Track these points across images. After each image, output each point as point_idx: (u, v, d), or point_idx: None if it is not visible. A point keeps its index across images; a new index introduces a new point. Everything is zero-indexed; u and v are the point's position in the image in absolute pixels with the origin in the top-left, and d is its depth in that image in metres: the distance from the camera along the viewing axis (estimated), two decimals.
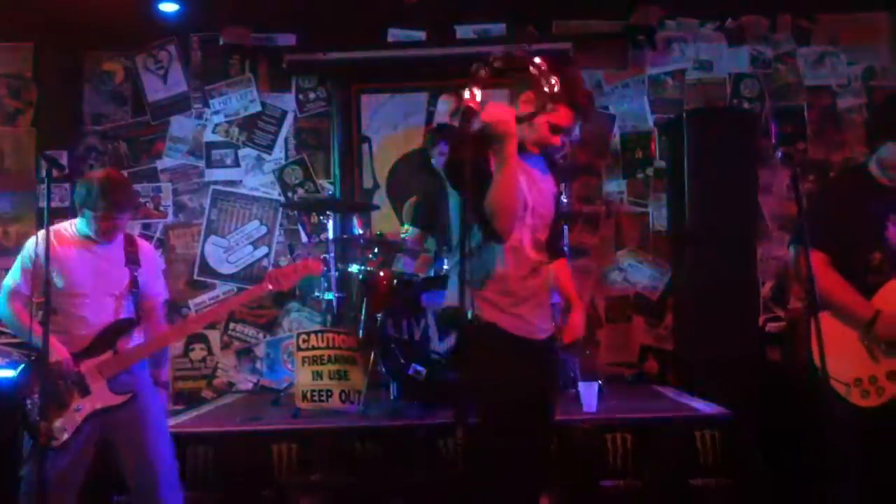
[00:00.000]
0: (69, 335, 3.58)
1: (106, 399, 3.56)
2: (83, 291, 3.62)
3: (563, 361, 3.18)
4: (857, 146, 6.39)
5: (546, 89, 2.81)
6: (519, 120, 2.83)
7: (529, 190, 3.02)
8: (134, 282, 3.73)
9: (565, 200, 5.67)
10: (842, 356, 3.31)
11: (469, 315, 2.89)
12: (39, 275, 3.41)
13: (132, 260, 3.75)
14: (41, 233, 3.43)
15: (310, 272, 3.97)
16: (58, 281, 3.55)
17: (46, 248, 3.30)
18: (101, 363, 3.58)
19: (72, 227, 3.72)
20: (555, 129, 3.04)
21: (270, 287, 3.81)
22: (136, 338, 3.74)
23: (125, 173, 4.23)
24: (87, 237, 3.68)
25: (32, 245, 3.62)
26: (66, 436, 3.48)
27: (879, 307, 3.36)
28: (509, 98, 3.03)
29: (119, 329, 3.66)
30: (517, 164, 2.85)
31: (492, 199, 2.82)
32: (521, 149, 2.93)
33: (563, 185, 3.24)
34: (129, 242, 3.81)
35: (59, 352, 3.50)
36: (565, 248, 3.48)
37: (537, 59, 2.84)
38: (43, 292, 3.32)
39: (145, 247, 3.91)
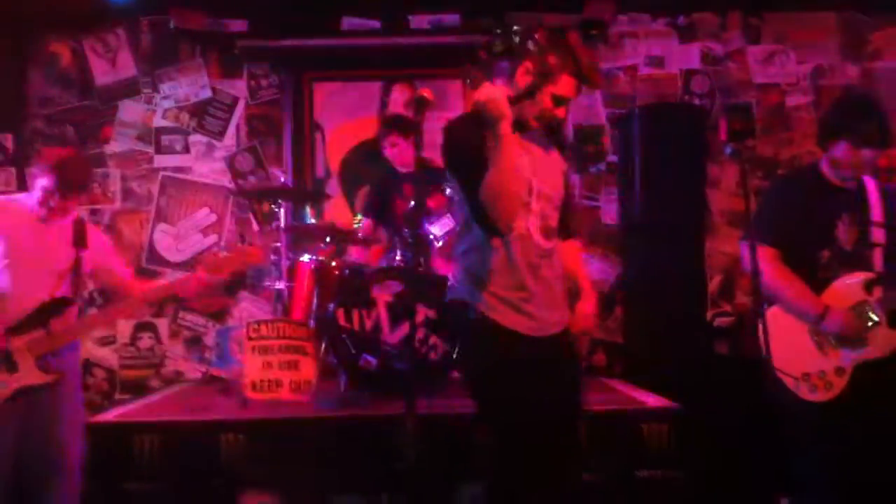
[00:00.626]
0: (1, 308, 3.54)
1: (33, 377, 3.51)
2: (20, 265, 3.58)
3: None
4: (805, 143, 6.52)
5: (547, 60, 2.77)
6: (517, 98, 2.72)
7: (535, 171, 2.91)
8: (77, 262, 3.70)
9: None
10: (791, 351, 3.38)
11: (473, 312, 2.88)
12: None
13: (79, 241, 3.72)
14: None
15: (251, 260, 3.95)
16: None
17: None
18: (32, 340, 3.52)
19: (25, 200, 3.68)
20: (557, 101, 2.86)
21: (208, 273, 3.79)
22: (70, 318, 3.70)
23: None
24: (37, 212, 3.63)
25: None
26: None
27: (828, 303, 3.42)
28: (508, 73, 2.86)
29: (53, 308, 3.60)
30: (514, 146, 2.72)
31: (489, 187, 2.67)
32: (524, 126, 2.85)
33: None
34: (78, 225, 3.77)
35: None
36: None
37: (535, 34, 2.81)
38: None
39: (92, 229, 3.89)
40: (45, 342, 3.55)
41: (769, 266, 3.40)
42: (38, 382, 3.52)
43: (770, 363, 3.08)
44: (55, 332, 3.58)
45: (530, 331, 2.91)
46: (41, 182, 3.59)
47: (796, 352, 3.41)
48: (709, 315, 6.22)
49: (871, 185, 3.58)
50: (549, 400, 2.88)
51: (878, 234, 3.51)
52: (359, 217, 5.65)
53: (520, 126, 2.78)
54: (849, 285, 3.47)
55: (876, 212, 3.52)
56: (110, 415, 4.70)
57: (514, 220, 2.79)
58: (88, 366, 6.36)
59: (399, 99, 6.67)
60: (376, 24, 6.65)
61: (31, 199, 3.65)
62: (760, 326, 3.03)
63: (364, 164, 6.55)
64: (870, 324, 3.42)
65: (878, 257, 3.50)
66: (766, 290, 3.40)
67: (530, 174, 2.88)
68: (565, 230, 3.13)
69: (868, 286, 3.45)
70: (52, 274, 3.64)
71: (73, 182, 3.61)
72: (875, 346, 3.41)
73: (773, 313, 3.47)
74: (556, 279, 3.00)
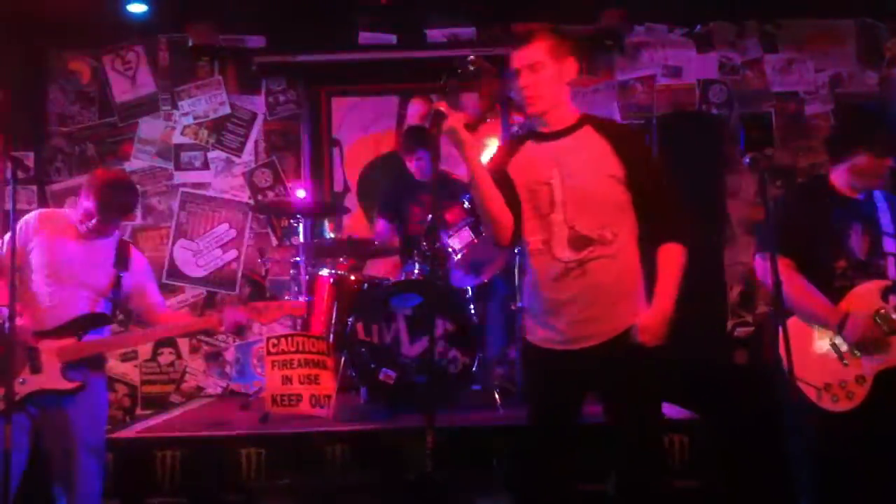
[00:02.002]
0: (38, 314, 3.58)
1: (54, 381, 3.53)
2: (61, 278, 3.63)
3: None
4: (824, 152, 6.46)
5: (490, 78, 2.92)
6: (471, 125, 2.86)
7: (564, 177, 2.91)
8: (117, 283, 3.73)
9: None
10: (811, 361, 3.36)
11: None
12: (19, 250, 3.45)
13: (121, 263, 3.77)
14: (32, 213, 3.68)
15: (293, 313, 4.01)
16: (41, 260, 3.61)
17: (13, 250, 3.27)
18: (62, 346, 3.55)
19: (71, 216, 3.76)
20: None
21: (250, 317, 3.87)
22: (103, 335, 3.73)
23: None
24: (79, 229, 3.70)
25: (27, 218, 3.70)
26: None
27: (847, 311, 3.40)
28: (454, 102, 2.98)
29: (90, 322, 3.65)
30: (480, 170, 2.89)
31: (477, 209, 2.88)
32: (541, 136, 2.98)
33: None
34: (122, 247, 3.82)
35: (20, 321, 3.45)
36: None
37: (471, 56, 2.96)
38: (10, 286, 3.29)
39: (136, 254, 3.92)
40: (73, 349, 3.57)
41: (785, 276, 3.38)
42: (59, 388, 3.54)
43: (791, 374, 3.06)
44: (85, 342, 3.61)
45: (559, 345, 2.95)
46: (84, 202, 3.64)
47: (816, 362, 3.39)
48: (729, 325, 6.19)
49: (878, 195, 3.58)
50: (569, 413, 2.97)
51: (889, 244, 3.50)
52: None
53: (552, 133, 2.97)
54: (866, 293, 3.44)
55: (885, 221, 3.52)
56: (132, 430, 4.73)
57: (506, 238, 2.95)
58: (110, 382, 6.36)
59: (416, 113, 6.69)
60: (392, 38, 6.67)
61: (76, 214, 3.71)
62: (781, 336, 3.00)
63: (383, 177, 6.56)
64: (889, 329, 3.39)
65: (891, 266, 3.49)
66: (783, 300, 3.40)
67: (554, 182, 2.91)
68: (656, 232, 2.98)
69: (884, 294, 3.43)
70: (92, 291, 3.69)
71: (112, 206, 3.65)
72: (895, 354, 3.38)
73: (790, 324, 3.44)
74: (598, 289, 2.91)
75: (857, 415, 3.36)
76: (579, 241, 2.89)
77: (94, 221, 3.64)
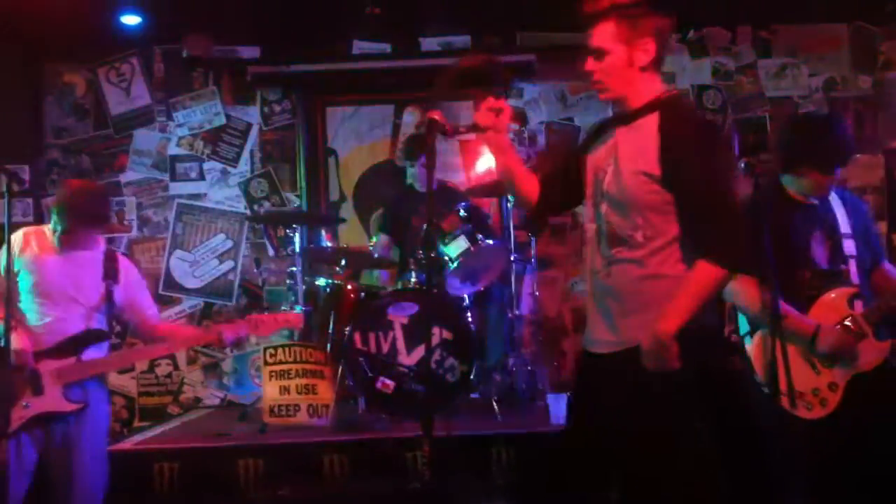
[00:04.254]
0: (33, 335, 3.57)
1: (57, 404, 3.53)
2: (51, 295, 3.61)
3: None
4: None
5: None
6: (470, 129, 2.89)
7: (614, 163, 2.74)
8: (108, 296, 3.71)
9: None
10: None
11: None
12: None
13: (110, 275, 3.73)
14: (17, 232, 3.62)
15: (290, 325, 4.02)
16: (28, 279, 3.59)
17: (9, 260, 3.27)
18: (62, 367, 3.55)
19: (48, 232, 3.73)
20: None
21: (248, 332, 3.85)
22: (102, 351, 3.71)
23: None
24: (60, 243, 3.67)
25: (12, 237, 3.65)
26: (8, 429, 3.41)
27: (817, 321, 3.42)
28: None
29: (87, 339, 3.63)
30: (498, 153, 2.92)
31: None
32: (616, 119, 2.84)
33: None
34: (110, 257, 3.79)
35: (19, 343, 3.46)
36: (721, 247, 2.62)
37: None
38: (4, 298, 3.33)
39: (125, 264, 3.89)
40: (74, 370, 3.57)
41: (751, 292, 3.39)
42: (61, 410, 3.54)
43: (791, 388, 3.09)
44: (86, 361, 3.60)
45: (587, 343, 2.88)
46: (53, 213, 3.63)
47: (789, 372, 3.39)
48: (726, 331, 6.18)
49: (833, 195, 3.59)
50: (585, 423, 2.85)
51: (848, 246, 3.52)
52: (374, 239, 5.66)
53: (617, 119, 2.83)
54: (833, 302, 3.47)
55: (843, 224, 3.54)
56: (129, 442, 4.72)
57: (538, 220, 2.94)
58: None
59: (412, 121, 6.69)
60: (387, 47, 6.68)
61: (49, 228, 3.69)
62: (779, 350, 3.00)
63: (379, 186, 6.57)
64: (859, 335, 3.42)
65: (853, 270, 3.52)
66: (752, 315, 3.49)
67: (609, 171, 2.76)
68: (694, 246, 2.65)
69: (850, 301, 3.47)
70: (84, 307, 3.67)
71: (77, 212, 3.61)
72: (865, 360, 3.41)
73: (760, 336, 3.48)
74: (613, 295, 2.75)
75: (831, 421, 3.38)
76: (613, 239, 2.73)
77: (60, 230, 3.61)
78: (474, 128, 2.89)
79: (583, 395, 2.93)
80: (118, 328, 5.63)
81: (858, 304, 3.47)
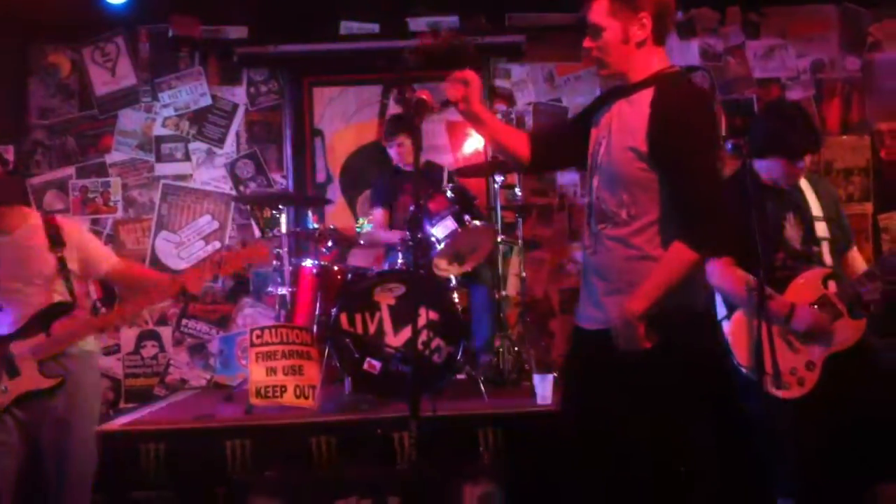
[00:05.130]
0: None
1: (35, 382, 3.52)
2: (5, 278, 3.59)
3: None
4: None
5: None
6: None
7: (608, 136, 2.75)
8: (61, 264, 3.63)
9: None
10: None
11: None
12: None
13: (55, 242, 3.65)
14: None
15: (257, 256, 3.94)
16: None
17: None
18: (34, 345, 3.53)
19: None
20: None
21: (211, 272, 3.73)
22: (74, 322, 3.65)
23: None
24: None
25: None
26: None
27: (793, 302, 3.47)
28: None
29: (53, 313, 3.59)
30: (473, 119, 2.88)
31: None
32: (617, 92, 2.81)
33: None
34: (49, 224, 3.70)
35: None
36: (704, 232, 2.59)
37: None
38: None
39: (67, 225, 3.77)
40: (47, 347, 3.54)
41: (728, 273, 3.44)
42: (41, 387, 3.52)
43: (777, 370, 3.11)
44: (56, 335, 3.57)
45: (577, 319, 2.89)
46: None
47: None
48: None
49: (803, 182, 3.67)
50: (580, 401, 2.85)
51: (820, 229, 3.60)
52: (361, 221, 5.64)
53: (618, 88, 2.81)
54: (807, 282, 3.53)
55: (814, 206, 3.63)
56: (116, 423, 4.71)
57: (519, 160, 2.95)
58: None
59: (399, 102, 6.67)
60: (374, 27, 6.65)
61: None
62: (765, 334, 3.02)
63: (366, 167, 6.55)
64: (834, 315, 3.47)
65: (825, 251, 3.61)
66: (729, 296, 3.54)
67: (604, 144, 2.76)
68: (676, 227, 2.62)
69: (825, 281, 3.53)
70: (40, 281, 3.61)
71: None
72: (841, 338, 3.47)
73: (737, 318, 3.52)
74: (599, 271, 2.75)
75: (809, 400, 3.42)
76: (600, 215, 2.74)
77: None
78: (446, 103, 2.85)
79: (573, 369, 2.96)
80: (96, 295, 5.61)
81: (832, 284, 3.53)
